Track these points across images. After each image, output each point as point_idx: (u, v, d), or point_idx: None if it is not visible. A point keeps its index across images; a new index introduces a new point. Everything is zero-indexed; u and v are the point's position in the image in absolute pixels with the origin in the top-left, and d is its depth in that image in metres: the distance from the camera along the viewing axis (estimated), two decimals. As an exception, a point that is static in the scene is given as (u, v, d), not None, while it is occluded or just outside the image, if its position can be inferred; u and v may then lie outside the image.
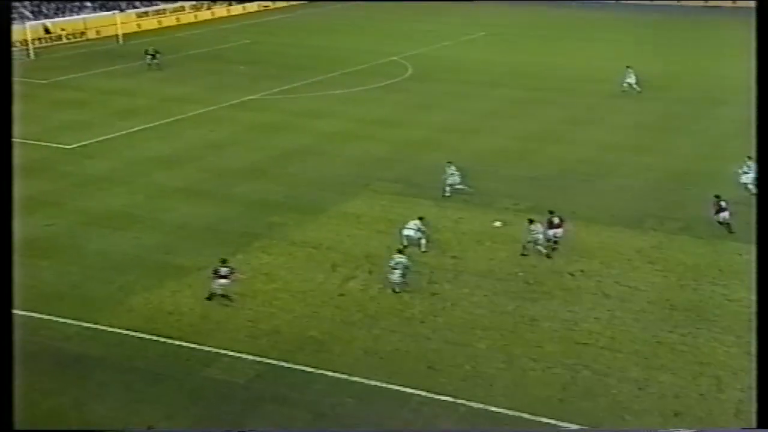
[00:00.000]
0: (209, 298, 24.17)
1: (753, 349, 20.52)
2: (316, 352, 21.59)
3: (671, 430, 18.53)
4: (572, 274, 26.44)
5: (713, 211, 29.46)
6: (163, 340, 22.16)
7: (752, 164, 31.16)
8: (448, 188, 32.88)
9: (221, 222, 30.71)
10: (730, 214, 29.29)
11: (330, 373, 20.58)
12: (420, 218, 28.58)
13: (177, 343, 22.02)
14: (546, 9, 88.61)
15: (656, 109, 47.79)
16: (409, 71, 58.10)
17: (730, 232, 28.98)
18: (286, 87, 52.98)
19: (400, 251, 25.63)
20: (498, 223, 30.12)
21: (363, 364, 21.04)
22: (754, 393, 11.24)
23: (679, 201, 32.68)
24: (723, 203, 29.42)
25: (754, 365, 11.29)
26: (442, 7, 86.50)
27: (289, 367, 20.87)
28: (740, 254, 27.60)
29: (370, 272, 26.43)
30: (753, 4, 13.87)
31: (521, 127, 44.07)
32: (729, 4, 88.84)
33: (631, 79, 50.27)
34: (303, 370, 20.74)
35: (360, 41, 70.53)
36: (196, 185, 34.95)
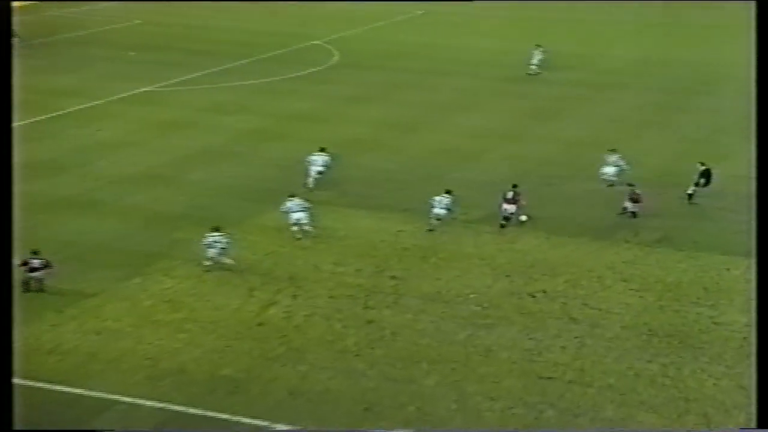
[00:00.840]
0: (25, 290, 25.56)
1: (746, 380, 21.31)
2: (231, 395, 21.29)
3: (671, 429, 19.06)
4: (533, 296, 26.60)
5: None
6: (41, 385, 21.57)
7: (614, 157, 35.28)
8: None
9: (114, 239, 30.19)
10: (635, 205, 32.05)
11: (248, 420, 20.31)
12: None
13: (59, 388, 21.48)
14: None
15: (625, 99, 48.67)
16: (335, 57, 58.11)
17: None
18: (187, 77, 52.48)
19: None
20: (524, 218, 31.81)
21: (287, 407, 20.81)
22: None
23: (654, 206, 33.04)
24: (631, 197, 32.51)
25: (751, 399, 12.47)
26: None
27: (198, 414, 20.52)
28: (728, 269, 28.12)
29: (294, 297, 26.22)
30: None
31: (473, 123, 44.42)
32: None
33: (537, 59, 53.52)
34: (215, 417, 20.41)
35: (275, 22, 70.30)
36: (83, 195, 34.34)
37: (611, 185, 34.68)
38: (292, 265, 28.34)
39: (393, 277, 27.61)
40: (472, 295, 26.50)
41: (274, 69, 54.38)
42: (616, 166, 35.27)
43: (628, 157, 35.97)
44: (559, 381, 22.05)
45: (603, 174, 35.31)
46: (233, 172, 36.96)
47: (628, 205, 32.24)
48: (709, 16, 73.53)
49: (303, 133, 42.17)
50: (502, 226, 31.29)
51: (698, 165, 34.15)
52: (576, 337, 24.19)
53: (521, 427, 20.22)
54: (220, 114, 45.40)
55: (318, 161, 34.98)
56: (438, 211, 31.11)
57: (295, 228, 30.32)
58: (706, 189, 33.89)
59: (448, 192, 31.41)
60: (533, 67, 53.72)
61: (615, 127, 43.81)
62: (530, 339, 24.07)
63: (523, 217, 31.76)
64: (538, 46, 54.64)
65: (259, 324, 24.70)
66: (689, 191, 33.99)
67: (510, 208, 31.46)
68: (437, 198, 31.24)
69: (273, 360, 22.87)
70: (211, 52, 58.79)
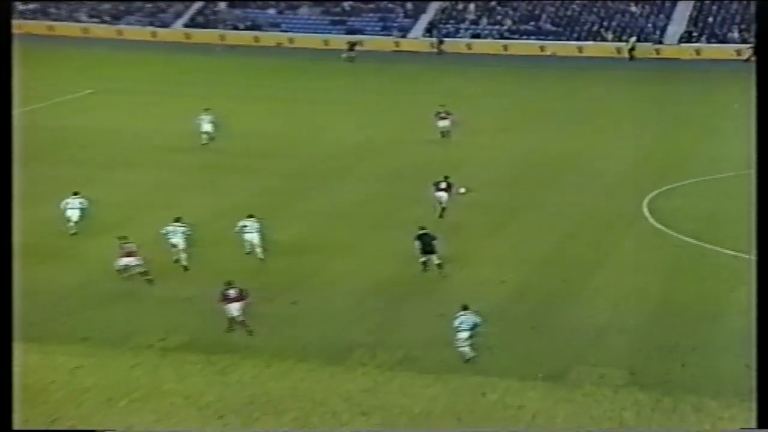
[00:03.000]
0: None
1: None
2: None
3: (671, 428, 20.92)
4: (252, 441, 24.90)
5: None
6: None
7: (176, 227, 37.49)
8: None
9: None
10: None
11: None
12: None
13: None
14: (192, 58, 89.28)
15: (346, 190, 48.04)
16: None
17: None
18: None
19: None
20: (463, 190, 42.47)
21: None
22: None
23: (392, 319, 32.51)
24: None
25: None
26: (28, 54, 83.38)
27: None
28: (484, 393, 27.52)
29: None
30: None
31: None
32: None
33: (208, 127, 56.24)
34: None
35: None
36: None
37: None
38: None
39: (68, 432, 24.96)
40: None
41: None
42: None
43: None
44: None
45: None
46: None
47: None
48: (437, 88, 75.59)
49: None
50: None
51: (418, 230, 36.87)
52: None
53: None
54: None
55: None
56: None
57: None
58: (433, 256, 36.33)
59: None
60: (205, 135, 55.94)
61: (343, 225, 42.99)
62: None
63: (462, 189, 42.61)
64: (207, 110, 56.58)
65: None
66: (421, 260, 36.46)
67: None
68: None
69: None
70: None
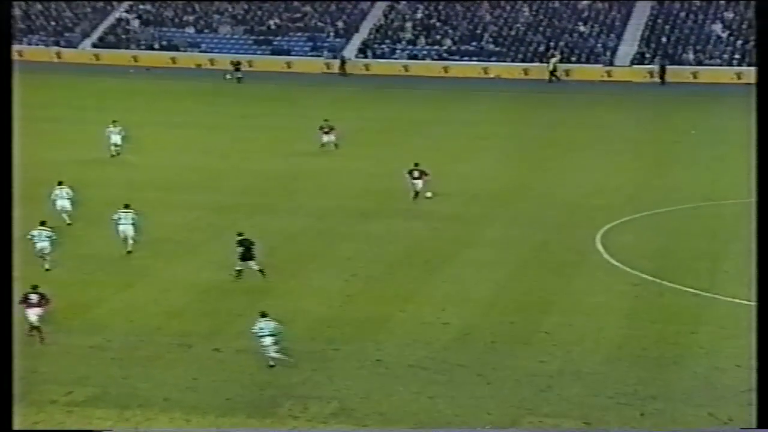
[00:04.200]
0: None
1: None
2: None
3: (671, 429, 22.25)
4: None
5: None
6: None
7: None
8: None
9: None
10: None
11: None
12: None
13: None
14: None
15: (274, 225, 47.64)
16: None
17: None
18: None
19: None
20: (429, 194, 50.46)
21: None
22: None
23: (324, 367, 32.22)
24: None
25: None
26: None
27: None
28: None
29: None
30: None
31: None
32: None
33: (117, 139, 60.64)
34: None
35: None
36: None
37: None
38: None
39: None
40: None
41: None
42: None
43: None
44: None
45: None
46: None
47: None
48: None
49: None
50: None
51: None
52: None
53: None
54: None
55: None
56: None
57: None
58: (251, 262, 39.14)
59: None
60: (114, 147, 60.36)
61: (268, 264, 42.48)
62: None
63: (429, 194, 50.16)
64: (115, 122, 61.16)
65: None
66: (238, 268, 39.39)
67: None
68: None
69: None
70: None
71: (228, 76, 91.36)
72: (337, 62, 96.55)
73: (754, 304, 20.51)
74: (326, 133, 62.56)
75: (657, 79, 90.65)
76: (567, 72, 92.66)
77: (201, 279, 40.27)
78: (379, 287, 39.51)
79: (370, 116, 77.50)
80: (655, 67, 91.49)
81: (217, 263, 41.79)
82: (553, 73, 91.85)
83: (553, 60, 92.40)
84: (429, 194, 50.45)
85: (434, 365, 30.55)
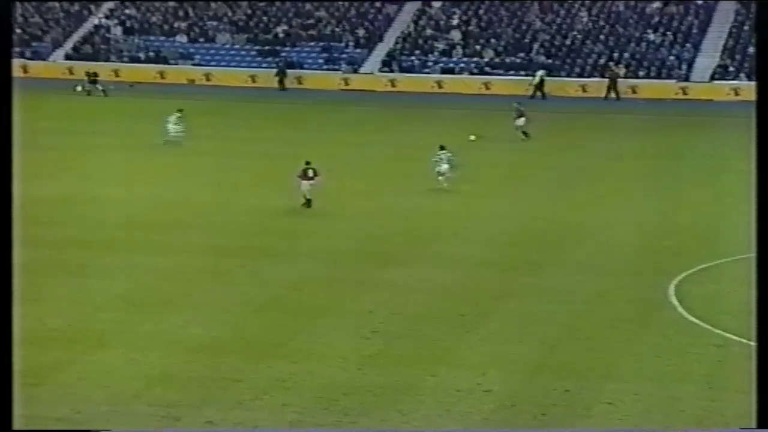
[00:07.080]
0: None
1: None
2: None
3: (672, 429, 23.82)
4: None
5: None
6: None
7: None
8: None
9: None
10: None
11: None
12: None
13: None
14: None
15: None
16: None
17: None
18: None
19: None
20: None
21: None
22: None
23: None
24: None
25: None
26: None
27: None
28: None
29: None
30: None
31: None
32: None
33: None
34: None
35: None
36: None
37: None
38: None
39: None
40: None
41: None
42: None
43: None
44: None
45: None
46: None
47: None
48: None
49: None
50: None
51: None
52: None
53: None
54: None
55: None
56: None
57: None
58: None
59: None
60: None
61: (268, 318, 42.34)
62: None
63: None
64: None
65: None
66: None
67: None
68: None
69: None
70: None
71: (78, 88, 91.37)
72: (354, 77, 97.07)
73: None
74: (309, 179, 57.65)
75: (741, 98, 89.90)
76: (633, 89, 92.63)
77: (188, 336, 40.09)
78: (404, 347, 39.17)
79: (390, 141, 77.36)
80: (740, 84, 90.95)
81: (207, 316, 41.72)
82: (538, 87, 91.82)
83: (540, 73, 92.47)
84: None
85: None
